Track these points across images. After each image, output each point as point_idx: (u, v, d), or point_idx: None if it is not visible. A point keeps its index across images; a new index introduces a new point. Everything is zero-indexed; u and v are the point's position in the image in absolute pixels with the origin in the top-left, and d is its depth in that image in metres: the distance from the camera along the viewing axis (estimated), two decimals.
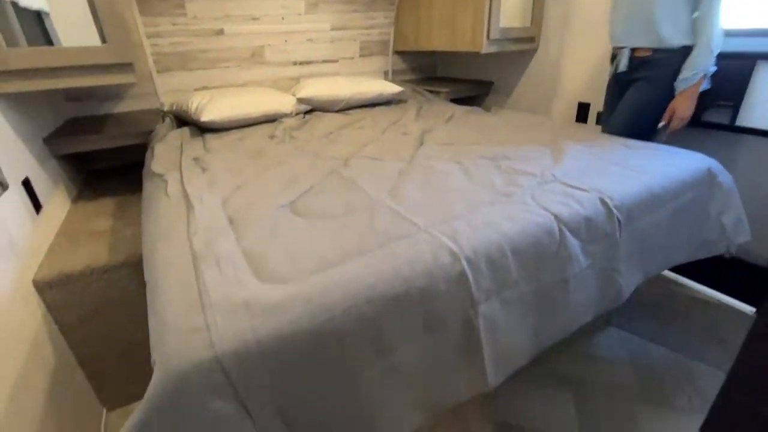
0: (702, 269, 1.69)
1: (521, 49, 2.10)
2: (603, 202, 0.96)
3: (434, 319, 0.74)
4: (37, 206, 1.24)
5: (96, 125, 1.69)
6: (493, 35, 1.92)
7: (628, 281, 1.03)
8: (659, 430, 1.20)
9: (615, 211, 0.95)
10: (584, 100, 2.04)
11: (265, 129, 1.68)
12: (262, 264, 0.74)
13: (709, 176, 1.17)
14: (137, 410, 0.56)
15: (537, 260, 0.85)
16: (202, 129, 1.69)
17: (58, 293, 1.12)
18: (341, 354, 0.66)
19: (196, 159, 1.32)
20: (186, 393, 0.55)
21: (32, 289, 1.09)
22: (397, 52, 2.49)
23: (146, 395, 0.56)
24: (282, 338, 0.61)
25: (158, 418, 0.55)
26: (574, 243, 0.90)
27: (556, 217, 0.89)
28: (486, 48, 1.93)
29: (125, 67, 1.25)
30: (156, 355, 0.59)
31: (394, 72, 2.52)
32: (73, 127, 1.67)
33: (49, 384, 1.03)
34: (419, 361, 0.73)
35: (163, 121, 1.75)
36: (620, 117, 1.58)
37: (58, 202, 1.44)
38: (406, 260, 0.73)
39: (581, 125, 2.06)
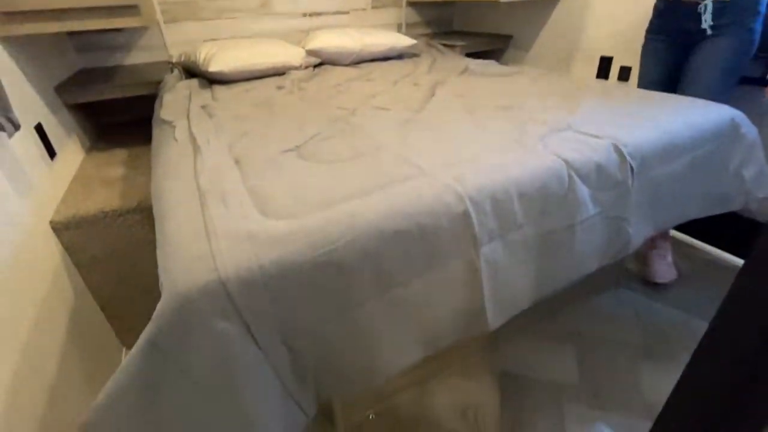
0: (719, 232, 1.65)
1: None
2: (616, 148, 0.93)
3: (436, 257, 0.74)
4: (51, 153, 1.26)
5: (106, 76, 1.68)
6: None
7: (638, 232, 1.01)
8: (660, 385, 1.22)
9: (628, 158, 0.92)
10: (607, 53, 1.94)
11: (273, 81, 1.66)
12: (267, 201, 0.75)
13: (732, 127, 1.12)
14: (145, 330, 0.59)
15: (543, 204, 0.83)
16: (211, 80, 1.67)
17: (74, 235, 1.16)
18: (342, 286, 0.67)
19: (203, 107, 1.31)
20: (191, 314, 0.58)
21: (50, 231, 1.13)
22: (411, 4, 2.38)
23: (153, 316, 0.58)
24: (284, 267, 0.62)
25: (165, 337, 0.58)
26: (583, 189, 0.88)
27: (566, 162, 0.86)
28: None
29: (131, 9, 1.23)
30: (163, 279, 0.61)
31: (408, 25, 2.42)
32: (83, 77, 1.67)
33: (69, 320, 1.08)
34: (420, 298, 0.74)
35: (172, 72, 1.73)
36: (708, 82, 1.32)
37: (71, 151, 1.46)
38: (409, 199, 0.73)
39: (601, 81, 1.97)
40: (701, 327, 1.42)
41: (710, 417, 0.43)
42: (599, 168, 0.90)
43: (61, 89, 1.49)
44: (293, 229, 0.66)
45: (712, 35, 1.32)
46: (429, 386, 1.24)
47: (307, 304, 0.65)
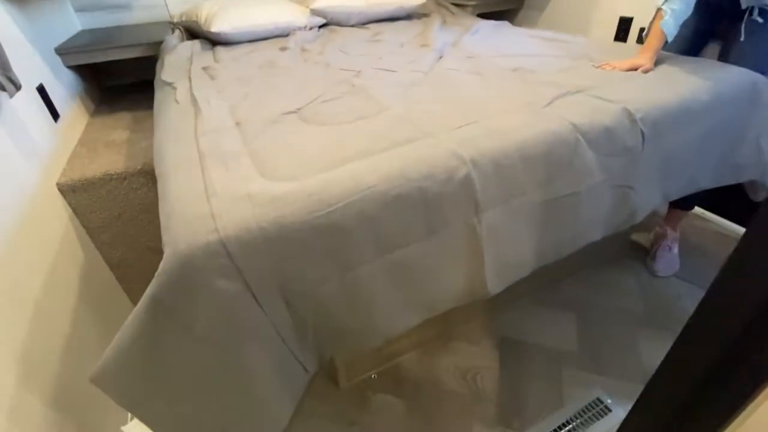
0: (729, 204, 1.62)
1: None
2: (628, 113, 0.89)
3: (436, 222, 0.73)
4: (55, 115, 1.26)
5: (106, 37, 1.65)
6: None
7: (645, 201, 0.99)
8: (659, 353, 1.23)
9: (640, 123, 0.89)
10: (627, 14, 1.83)
11: (277, 42, 1.61)
12: (267, 164, 0.74)
13: (753, 92, 1.06)
14: (149, 287, 0.60)
15: (548, 170, 0.81)
16: (213, 42, 1.62)
17: (81, 197, 1.17)
18: (341, 247, 0.67)
19: (205, 68, 1.28)
20: (193, 272, 0.58)
21: (57, 192, 1.14)
22: None
23: (156, 273, 0.59)
24: (283, 227, 0.62)
25: (167, 294, 0.59)
26: (590, 155, 0.85)
27: (574, 126, 0.84)
28: None
29: None
30: (165, 238, 0.62)
31: None
32: (83, 38, 1.64)
33: (80, 281, 1.11)
34: (419, 262, 0.74)
35: (173, 32, 1.69)
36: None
37: (75, 114, 1.46)
38: (410, 162, 0.72)
39: (620, 44, 1.88)
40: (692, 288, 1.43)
41: (698, 385, 0.44)
42: (608, 133, 0.87)
43: (62, 50, 1.46)
44: (293, 191, 0.66)
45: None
46: (430, 349, 1.27)
47: (307, 264, 0.65)
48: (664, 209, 1.53)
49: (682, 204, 1.42)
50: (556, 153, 0.81)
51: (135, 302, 1.39)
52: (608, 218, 0.95)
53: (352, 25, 1.83)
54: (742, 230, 1.58)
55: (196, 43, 1.61)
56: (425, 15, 2.00)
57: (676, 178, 1.04)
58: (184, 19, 1.74)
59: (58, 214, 1.12)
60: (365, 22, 1.86)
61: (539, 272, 1.37)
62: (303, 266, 0.65)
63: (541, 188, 0.82)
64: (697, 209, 1.69)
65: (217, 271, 0.59)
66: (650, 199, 1.01)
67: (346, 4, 1.79)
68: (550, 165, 0.81)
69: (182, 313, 0.60)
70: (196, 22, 1.64)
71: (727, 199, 1.60)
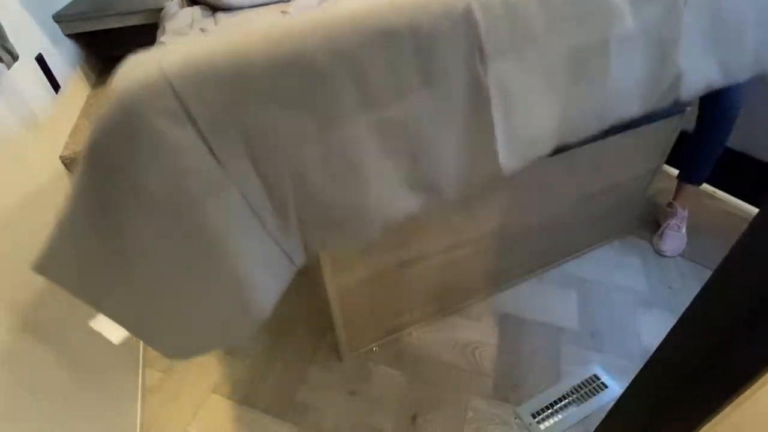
0: (741, 182, 1.58)
1: None
2: None
3: (434, 70, 0.61)
4: (56, 85, 1.24)
5: (106, 3, 1.60)
6: None
7: (694, 68, 0.80)
8: (659, 332, 1.24)
9: None
10: None
11: (278, 7, 1.55)
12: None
13: None
14: (89, 134, 0.52)
15: (569, 8, 0.66)
16: (214, 8, 1.57)
17: None
18: (316, 94, 0.56)
19: (202, 30, 1.25)
20: (134, 115, 0.50)
21: (60, 166, 1.14)
22: None
23: (96, 117, 0.52)
24: (239, 65, 0.52)
25: (108, 140, 0.51)
26: None
27: None
28: None
29: None
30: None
31: None
32: (82, 4, 1.59)
33: None
34: (415, 122, 0.62)
35: None
36: None
37: (76, 85, 1.44)
38: None
39: None
40: (708, 275, 1.41)
41: (696, 369, 0.44)
42: None
43: (61, 18, 1.43)
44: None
45: None
46: (431, 324, 1.29)
47: (275, 114, 0.55)
48: (673, 184, 1.50)
49: (692, 177, 1.39)
50: None
51: None
52: (646, 85, 0.79)
53: None
54: (753, 210, 1.56)
55: (196, 9, 1.56)
56: None
57: (736, 48, 0.87)
58: None
59: (63, 187, 1.12)
60: None
61: (541, 249, 1.36)
62: (271, 117, 0.55)
63: (562, 33, 0.67)
64: (708, 186, 1.66)
65: (162, 113, 0.50)
66: (701, 66, 0.83)
67: None
68: (572, 3, 0.67)
69: (128, 167, 0.51)
70: None
71: (739, 178, 1.57)
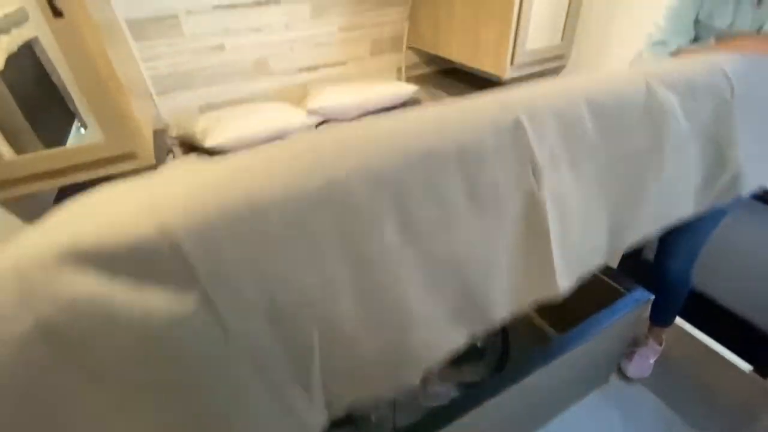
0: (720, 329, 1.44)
1: (548, 68, 1.87)
2: (710, 62, 0.73)
3: (483, 189, 0.54)
4: None
5: None
6: (519, 59, 1.67)
7: (753, 165, 0.76)
8: None
9: (725, 69, 0.71)
10: None
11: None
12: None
13: None
14: None
15: (620, 117, 0.64)
16: (211, 153, 1.59)
17: None
18: (352, 229, 0.47)
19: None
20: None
21: None
22: (411, 48, 2.33)
23: None
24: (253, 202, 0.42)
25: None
26: (669, 96, 0.66)
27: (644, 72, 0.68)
28: (509, 73, 1.71)
29: (127, 155, 1.17)
30: None
31: (408, 67, 2.35)
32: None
33: None
34: (462, 248, 0.55)
35: (173, 156, 1.66)
36: None
37: None
38: (440, 110, 0.56)
39: None
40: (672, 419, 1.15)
41: None
42: (688, 79, 0.69)
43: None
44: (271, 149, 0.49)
45: None
46: None
47: (301, 259, 0.44)
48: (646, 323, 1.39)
49: (658, 320, 1.36)
50: (626, 95, 0.64)
51: None
52: (702, 183, 0.76)
53: (352, 119, 1.81)
54: (727, 353, 1.40)
55: (193, 157, 1.60)
56: (418, 101, 1.99)
57: None
58: (182, 133, 1.72)
59: None
60: (364, 114, 1.86)
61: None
62: (295, 262, 0.44)
63: (615, 142, 0.64)
64: (688, 326, 1.52)
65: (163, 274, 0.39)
66: (759, 164, 0.78)
67: (342, 100, 1.83)
68: (621, 110, 0.64)
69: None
70: (193, 135, 1.65)
71: (720, 323, 1.45)
